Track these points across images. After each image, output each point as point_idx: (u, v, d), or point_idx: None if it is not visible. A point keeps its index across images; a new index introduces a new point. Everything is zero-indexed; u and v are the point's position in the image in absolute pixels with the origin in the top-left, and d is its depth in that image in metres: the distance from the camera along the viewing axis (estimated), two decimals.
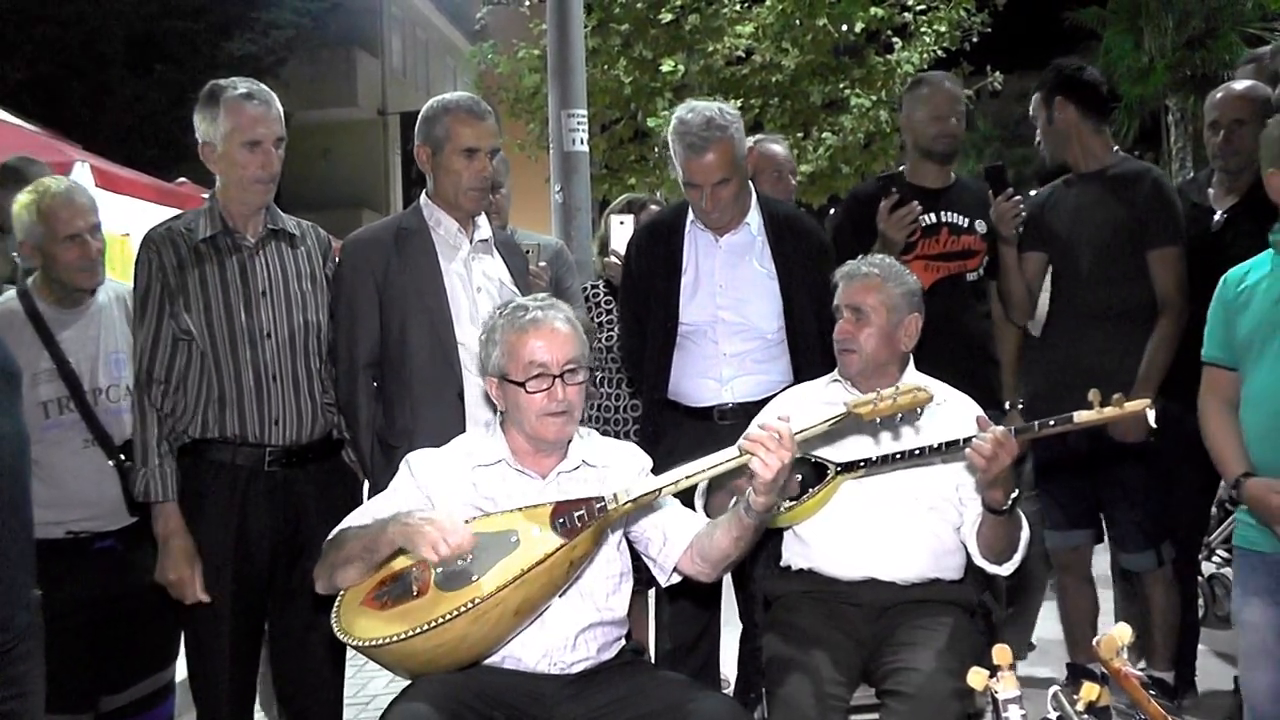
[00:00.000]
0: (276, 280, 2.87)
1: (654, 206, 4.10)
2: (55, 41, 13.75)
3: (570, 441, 2.43)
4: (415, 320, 2.87)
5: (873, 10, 10.96)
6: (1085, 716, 1.84)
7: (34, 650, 2.26)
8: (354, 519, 2.38)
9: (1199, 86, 15.81)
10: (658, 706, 2.26)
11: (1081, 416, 2.35)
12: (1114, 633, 1.90)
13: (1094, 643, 1.92)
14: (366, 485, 3.00)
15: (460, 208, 2.96)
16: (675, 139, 3.11)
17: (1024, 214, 3.46)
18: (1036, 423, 2.47)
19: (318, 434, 2.91)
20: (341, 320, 2.92)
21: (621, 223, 3.89)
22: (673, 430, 3.20)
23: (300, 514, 2.84)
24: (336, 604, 2.27)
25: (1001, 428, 2.40)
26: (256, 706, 3.07)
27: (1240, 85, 3.64)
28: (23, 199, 3.05)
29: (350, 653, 2.53)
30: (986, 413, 2.59)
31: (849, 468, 2.68)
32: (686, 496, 2.68)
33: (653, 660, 3.17)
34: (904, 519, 2.69)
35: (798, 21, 10.91)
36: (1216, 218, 3.52)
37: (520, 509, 2.30)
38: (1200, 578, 4.07)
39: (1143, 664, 3.51)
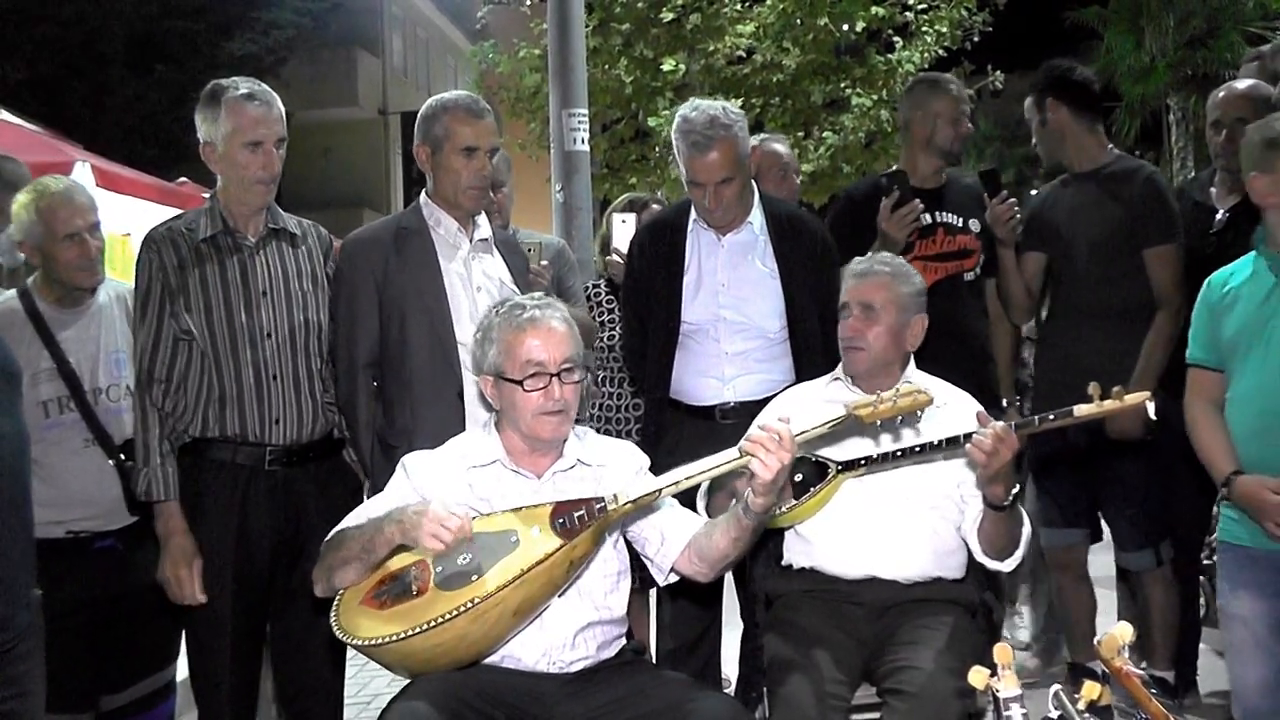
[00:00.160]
0: (277, 280, 2.87)
1: (655, 206, 4.10)
2: (56, 41, 13.74)
3: (566, 441, 2.43)
4: (415, 320, 2.87)
5: (874, 9, 10.96)
6: (1086, 715, 1.84)
7: (34, 650, 2.26)
8: (350, 521, 2.38)
9: (1200, 86, 15.82)
10: (658, 706, 2.26)
11: (1082, 410, 2.35)
12: (1115, 632, 1.90)
13: (1095, 642, 1.92)
14: (366, 485, 3.00)
15: (460, 207, 2.95)
16: (679, 137, 3.11)
17: (1019, 216, 3.48)
18: (1036, 417, 2.46)
19: (318, 433, 2.91)
20: (341, 320, 2.92)
21: (624, 221, 3.89)
22: (674, 429, 3.20)
23: (301, 513, 2.84)
24: (336, 603, 2.27)
25: (1002, 423, 2.40)
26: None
27: (1242, 84, 3.64)
28: (22, 198, 3.05)
29: (351, 652, 2.53)
30: (986, 411, 2.58)
31: (849, 466, 2.67)
32: (688, 497, 2.67)
33: (654, 660, 3.17)
34: (906, 517, 2.68)
35: (799, 21, 10.91)
36: (1219, 217, 3.52)
37: (520, 509, 2.30)
38: (1202, 577, 4.06)
39: (1143, 664, 3.50)
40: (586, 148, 6.10)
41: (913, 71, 10.78)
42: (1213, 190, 3.63)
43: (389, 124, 21.20)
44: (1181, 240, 3.44)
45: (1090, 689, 1.83)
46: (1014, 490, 2.49)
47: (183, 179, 6.89)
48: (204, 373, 2.79)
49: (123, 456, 3.00)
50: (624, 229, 3.85)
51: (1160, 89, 17.94)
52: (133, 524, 3.03)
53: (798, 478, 2.67)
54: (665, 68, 10.83)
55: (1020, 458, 2.56)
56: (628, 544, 2.49)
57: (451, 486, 2.37)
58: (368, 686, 4.29)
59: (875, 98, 11.21)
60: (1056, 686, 1.93)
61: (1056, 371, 3.50)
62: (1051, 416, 2.41)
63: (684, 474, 2.26)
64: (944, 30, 11.33)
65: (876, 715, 2.51)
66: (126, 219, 5.25)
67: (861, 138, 11.44)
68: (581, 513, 2.23)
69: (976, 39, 11.58)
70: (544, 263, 3.31)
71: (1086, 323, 3.48)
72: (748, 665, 3.27)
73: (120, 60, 14.39)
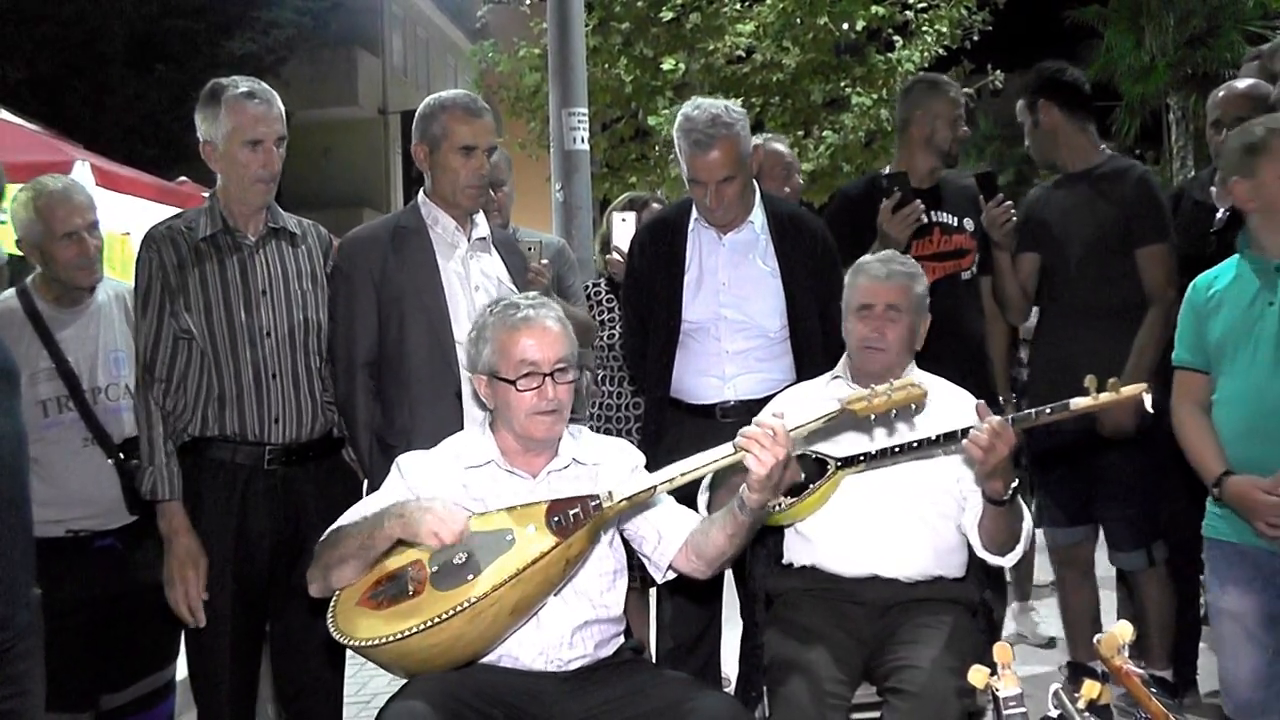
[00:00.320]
0: (277, 279, 2.87)
1: (656, 205, 4.10)
2: (56, 40, 13.73)
3: (561, 440, 2.43)
4: (413, 319, 2.87)
5: (874, 8, 10.94)
6: (1086, 714, 1.83)
7: (34, 649, 2.26)
8: (345, 520, 2.37)
9: (1200, 85, 15.81)
10: (658, 705, 2.26)
11: (1079, 403, 2.35)
12: (1115, 630, 1.90)
13: (1095, 640, 1.92)
14: (365, 484, 2.99)
15: (458, 205, 2.95)
16: (681, 135, 3.11)
17: (1015, 219, 3.49)
18: (1033, 411, 2.46)
19: (318, 432, 2.90)
20: (339, 319, 2.92)
21: (624, 220, 3.89)
22: (675, 428, 3.20)
23: (300, 512, 2.83)
24: (332, 604, 2.26)
25: (998, 418, 2.39)
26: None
27: (1243, 83, 3.65)
28: (21, 197, 3.05)
29: (350, 652, 2.53)
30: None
31: (849, 463, 2.67)
32: (690, 496, 2.67)
33: (654, 659, 3.17)
34: (907, 515, 2.68)
35: (798, 20, 10.89)
36: (1219, 216, 3.52)
37: (515, 508, 2.30)
38: (1202, 576, 4.06)
39: (1141, 664, 3.50)
40: (586, 147, 6.09)
41: (913, 71, 10.77)
42: (1213, 190, 3.62)
43: (389, 123, 21.21)
44: (1173, 239, 3.46)
45: (1090, 688, 1.83)
46: (1013, 485, 2.49)
47: (183, 178, 6.88)
48: (203, 372, 2.79)
49: (122, 455, 3.01)
50: (624, 227, 3.85)
51: (1160, 88, 17.94)
52: (132, 523, 3.03)
53: (800, 475, 2.67)
54: (665, 67, 10.82)
55: (1020, 453, 2.56)
56: (625, 542, 2.49)
57: (446, 487, 2.37)
58: (367, 686, 4.29)
59: (875, 97, 11.19)
60: (1056, 685, 1.92)
61: (1051, 371, 3.50)
62: (1048, 410, 2.41)
63: (679, 470, 2.26)
64: (944, 29, 11.31)
65: (877, 714, 2.51)
66: (126, 218, 5.25)
67: (861, 137, 11.43)
68: (576, 510, 2.23)
69: (976, 38, 11.57)
70: (544, 261, 3.31)
71: (1081, 323, 3.49)
72: (748, 664, 3.26)
73: (120, 60, 14.38)
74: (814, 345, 3.15)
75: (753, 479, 2.19)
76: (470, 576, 2.16)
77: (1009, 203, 3.50)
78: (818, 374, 2.93)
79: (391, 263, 2.89)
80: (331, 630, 2.21)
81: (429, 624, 2.11)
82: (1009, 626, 4.63)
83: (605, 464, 2.45)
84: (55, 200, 3.02)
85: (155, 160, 11.42)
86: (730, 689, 3.46)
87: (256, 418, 2.80)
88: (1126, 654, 1.89)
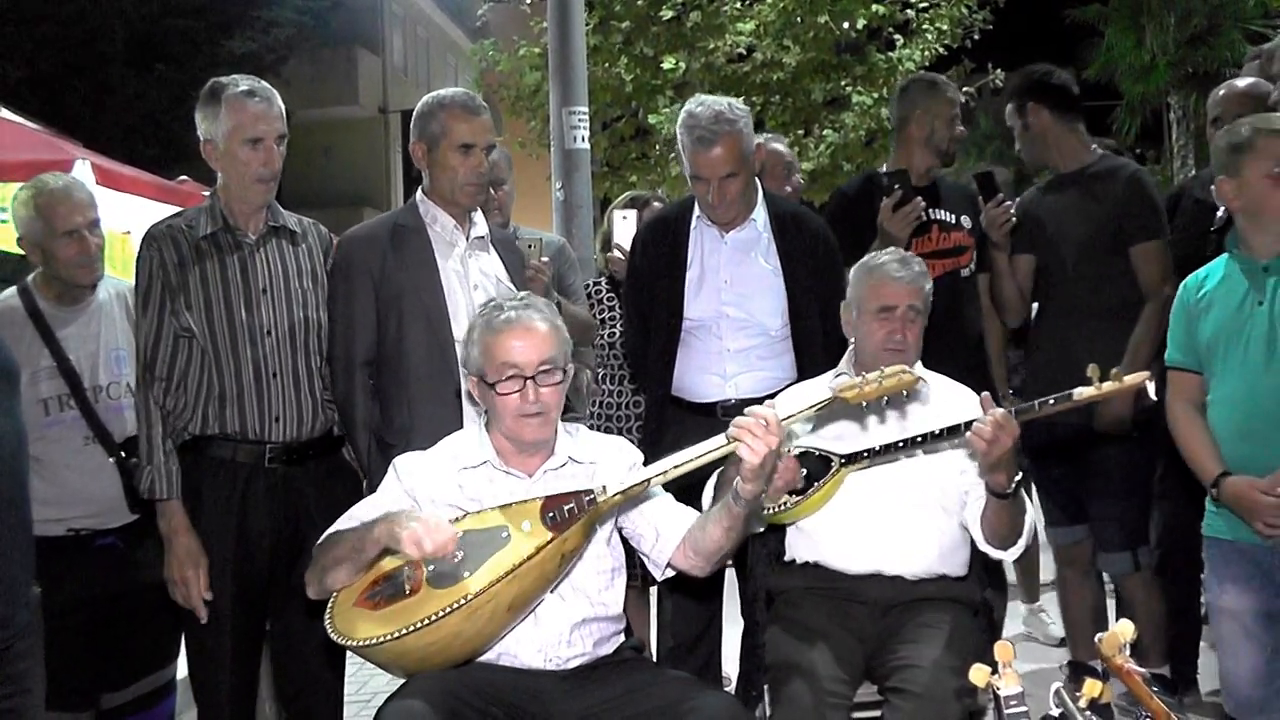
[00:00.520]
0: (277, 277, 2.87)
1: (657, 204, 4.10)
2: (56, 40, 13.73)
3: (557, 439, 2.42)
4: (412, 318, 2.86)
5: (874, 7, 10.93)
6: (1087, 713, 1.83)
7: (34, 648, 2.26)
8: (341, 524, 2.37)
9: (1201, 84, 15.81)
10: (657, 703, 2.25)
11: (1082, 393, 2.34)
12: (1116, 629, 1.89)
13: (1096, 639, 1.92)
14: (365, 483, 2.99)
15: (456, 204, 2.95)
16: (684, 132, 3.11)
17: (1014, 219, 3.49)
18: (1036, 402, 2.45)
19: (318, 431, 2.90)
20: (338, 318, 2.91)
21: (625, 218, 3.89)
22: (676, 426, 3.19)
23: (300, 511, 2.83)
24: (330, 605, 2.26)
25: (1001, 410, 2.39)
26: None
27: (1243, 82, 3.65)
28: (21, 195, 3.05)
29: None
30: None
31: (853, 459, 2.67)
32: (690, 495, 2.67)
33: (654, 658, 3.17)
34: (911, 512, 2.68)
35: (799, 19, 10.88)
36: (1219, 214, 3.51)
37: (510, 505, 2.29)
38: (1202, 575, 4.06)
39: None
40: (587, 145, 6.10)
41: (913, 69, 10.76)
42: (1213, 188, 3.62)
43: (389, 122, 21.20)
44: (1167, 236, 3.46)
45: (1091, 687, 1.83)
46: (1016, 478, 2.49)
47: (183, 177, 6.87)
48: (204, 370, 2.79)
49: (123, 454, 3.00)
50: (625, 225, 3.85)
51: (1161, 87, 17.95)
52: (133, 522, 3.03)
53: (803, 473, 2.67)
54: (665, 66, 10.81)
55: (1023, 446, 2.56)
56: (623, 540, 2.48)
57: (442, 488, 2.37)
58: (367, 685, 4.29)
59: (876, 96, 11.17)
60: (1057, 684, 1.92)
61: (1049, 371, 3.50)
62: (1051, 401, 2.40)
63: (672, 463, 2.26)
64: (945, 28, 11.30)
65: (878, 714, 2.51)
66: (126, 217, 5.25)
67: (862, 136, 11.41)
68: (571, 505, 2.23)
69: (977, 37, 11.56)
70: (544, 259, 3.31)
71: (1077, 323, 3.49)
72: (748, 663, 3.26)
73: (120, 59, 14.37)
74: (815, 344, 3.15)
75: (745, 468, 2.18)
76: (466, 574, 2.16)
77: (1009, 203, 3.50)
78: (818, 372, 2.92)
79: (390, 261, 2.89)
80: (329, 631, 2.20)
81: (426, 622, 2.10)
82: (1017, 627, 4.63)
83: (602, 462, 2.45)
84: (56, 198, 3.02)
85: (156, 159, 11.41)
86: (731, 688, 3.46)
87: (257, 416, 2.80)
88: (1128, 653, 1.89)
